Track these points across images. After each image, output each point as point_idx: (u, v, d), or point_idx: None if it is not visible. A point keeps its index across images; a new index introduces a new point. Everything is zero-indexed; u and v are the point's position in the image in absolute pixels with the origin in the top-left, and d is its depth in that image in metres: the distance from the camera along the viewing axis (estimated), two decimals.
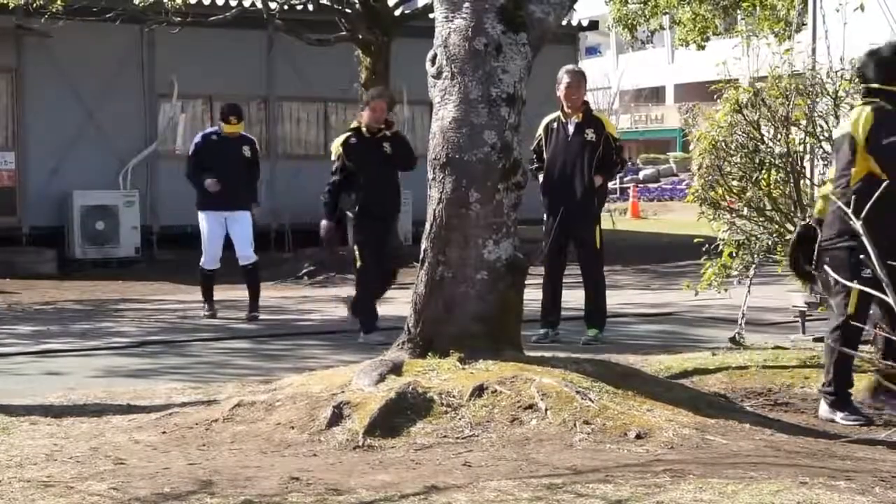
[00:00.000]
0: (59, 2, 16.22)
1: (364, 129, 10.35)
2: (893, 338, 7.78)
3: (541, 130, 10.23)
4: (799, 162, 8.64)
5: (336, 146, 10.45)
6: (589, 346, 9.69)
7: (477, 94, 6.62)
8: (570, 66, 10.45)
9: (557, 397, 5.94)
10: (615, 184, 42.16)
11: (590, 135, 9.99)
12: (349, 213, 10.35)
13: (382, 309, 10.56)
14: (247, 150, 12.33)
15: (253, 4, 19.50)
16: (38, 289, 15.62)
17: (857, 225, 4.11)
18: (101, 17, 17.48)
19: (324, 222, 10.49)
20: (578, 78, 10.15)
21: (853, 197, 5.72)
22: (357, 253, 10.26)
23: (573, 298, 10.61)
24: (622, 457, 5.35)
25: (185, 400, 7.30)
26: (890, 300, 4.41)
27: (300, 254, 18.59)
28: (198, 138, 12.64)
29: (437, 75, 6.74)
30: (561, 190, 10.04)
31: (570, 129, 10.07)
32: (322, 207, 10.52)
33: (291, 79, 20.74)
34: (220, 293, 15.09)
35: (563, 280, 10.31)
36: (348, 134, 10.47)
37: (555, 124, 10.17)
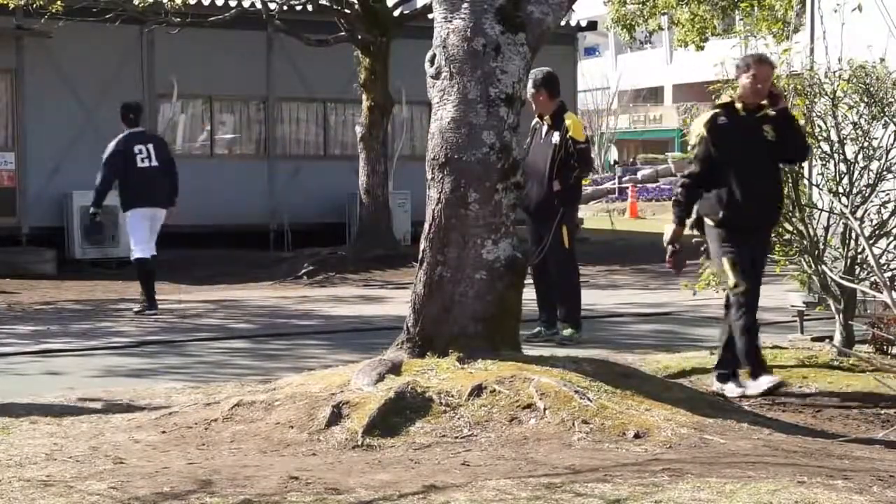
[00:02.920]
0: (59, 2, 16.25)
1: (739, 105, 7.60)
2: (892, 338, 7.81)
3: (530, 130, 10.32)
4: None
5: (698, 127, 7.68)
6: (586, 346, 9.68)
7: (475, 95, 6.63)
8: (532, 73, 9.59)
9: (556, 397, 5.95)
10: (613, 184, 42.28)
11: (554, 137, 10.05)
12: (709, 220, 7.60)
13: (381, 309, 10.57)
14: None
15: (253, 5, 19.53)
16: (38, 289, 15.64)
17: None
18: (101, 18, 17.50)
19: (669, 228, 7.70)
20: (537, 85, 9.98)
21: None
22: (730, 273, 7.46)
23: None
24: (620, 456, 5.36)
25: (184, 399, 7.31)
26: (888, 300, 4.43)
27: (299, 253, 18.61)
28: None
29: (436, 75, 6.75)
30: (530, 190, 10.11)
31: (543, 130, 10.17)
32: (672, 209, 7.82)
33: (291, 79, 20.76)
34: (218, 293, 15.16)
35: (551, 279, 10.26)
36: (716, 112, 7.69)
37: (537, 125, 10.27)
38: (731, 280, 7.36)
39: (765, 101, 7.46)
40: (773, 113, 7.44)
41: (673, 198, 7.86)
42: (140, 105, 13.33)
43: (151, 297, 12.70)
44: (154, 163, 12.69)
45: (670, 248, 7.64)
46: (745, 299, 7.34)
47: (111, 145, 12.85)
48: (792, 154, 7.71)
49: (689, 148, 7.93)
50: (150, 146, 12.81)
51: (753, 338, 7.38)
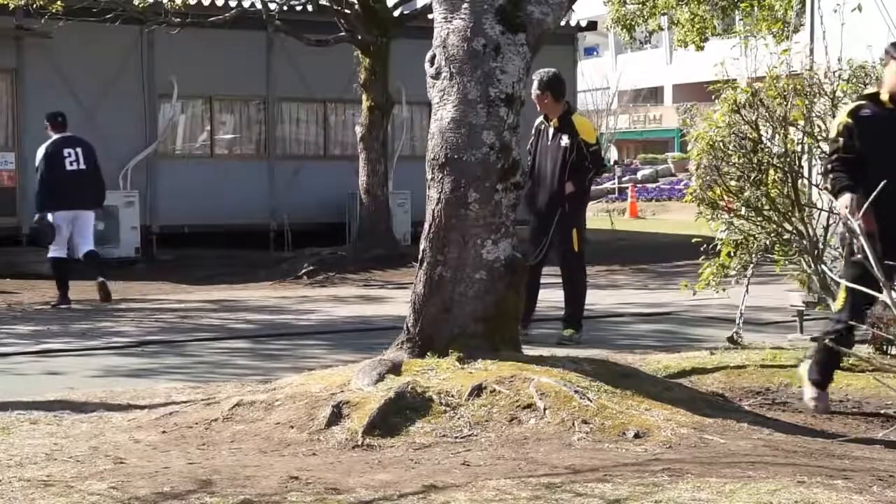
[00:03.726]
0: (59, 2, 16.26)
1: (885, 96, 6.72)
2: (892, 338, 7.81)
3: (533, 130, 10.30)
4: (797, 162, 8.66)
5: (840, 118, 6.88)
6: (586, 346, 9.68)
7: (475, 95, 6.63)
8: (536, 74, 9.96)
9: (556, 397, 5.95)
10: (613, 184, 42.30)
11: (564, 140, 10.04)
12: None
13: (381, 309, 10.56)
14: None
15: (253, 5, 19.54)
16: (38, 289, 15.62)
17: None
18: (101, 18, 17.50)
19: (845, 197, 6.51)
20: (542, 87, 9.99)
21: None
22: (841, 297, 6.84)
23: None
24: (620, 456, 5.36)
25: (184, 399, 7.31)
26: (887, 299, 4.44)
27: (299, 253, 18.61)
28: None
29: (436, 76, 6.75)
30: (537, 192, 10.12)
31: (550, 132, 10.16)
32: (833, 188, 6.72)
33: (291, 79, 20.77)
34: (218, 293, 15.15)
35: (541, 280, 10.25)
36: (859, 103, 6.86)
37: (542, 126, 10.25)
38: (839, 303, 6.75)
39: None
40: None
41: (829, 182, 6.77)
42: (63, 113, 13.98)
43: (64, 294, 13.52)
44: (82, 166, 13.40)
45: (857, 213, 6.28)
46: (842, 324, 6.69)
47: (41, 149, 13.50)
48: None
49: (828, 144, 7.08)
50: (79, 150, 13.47)
51: (831, 359, 6.87)
